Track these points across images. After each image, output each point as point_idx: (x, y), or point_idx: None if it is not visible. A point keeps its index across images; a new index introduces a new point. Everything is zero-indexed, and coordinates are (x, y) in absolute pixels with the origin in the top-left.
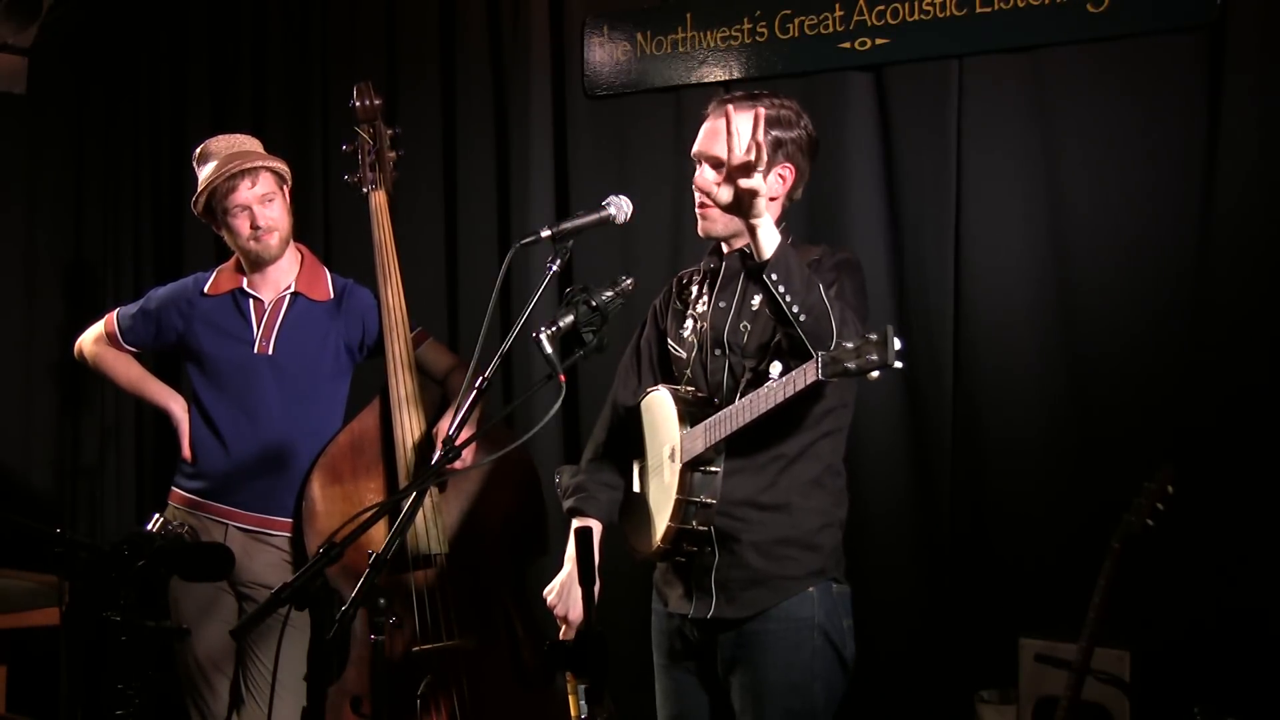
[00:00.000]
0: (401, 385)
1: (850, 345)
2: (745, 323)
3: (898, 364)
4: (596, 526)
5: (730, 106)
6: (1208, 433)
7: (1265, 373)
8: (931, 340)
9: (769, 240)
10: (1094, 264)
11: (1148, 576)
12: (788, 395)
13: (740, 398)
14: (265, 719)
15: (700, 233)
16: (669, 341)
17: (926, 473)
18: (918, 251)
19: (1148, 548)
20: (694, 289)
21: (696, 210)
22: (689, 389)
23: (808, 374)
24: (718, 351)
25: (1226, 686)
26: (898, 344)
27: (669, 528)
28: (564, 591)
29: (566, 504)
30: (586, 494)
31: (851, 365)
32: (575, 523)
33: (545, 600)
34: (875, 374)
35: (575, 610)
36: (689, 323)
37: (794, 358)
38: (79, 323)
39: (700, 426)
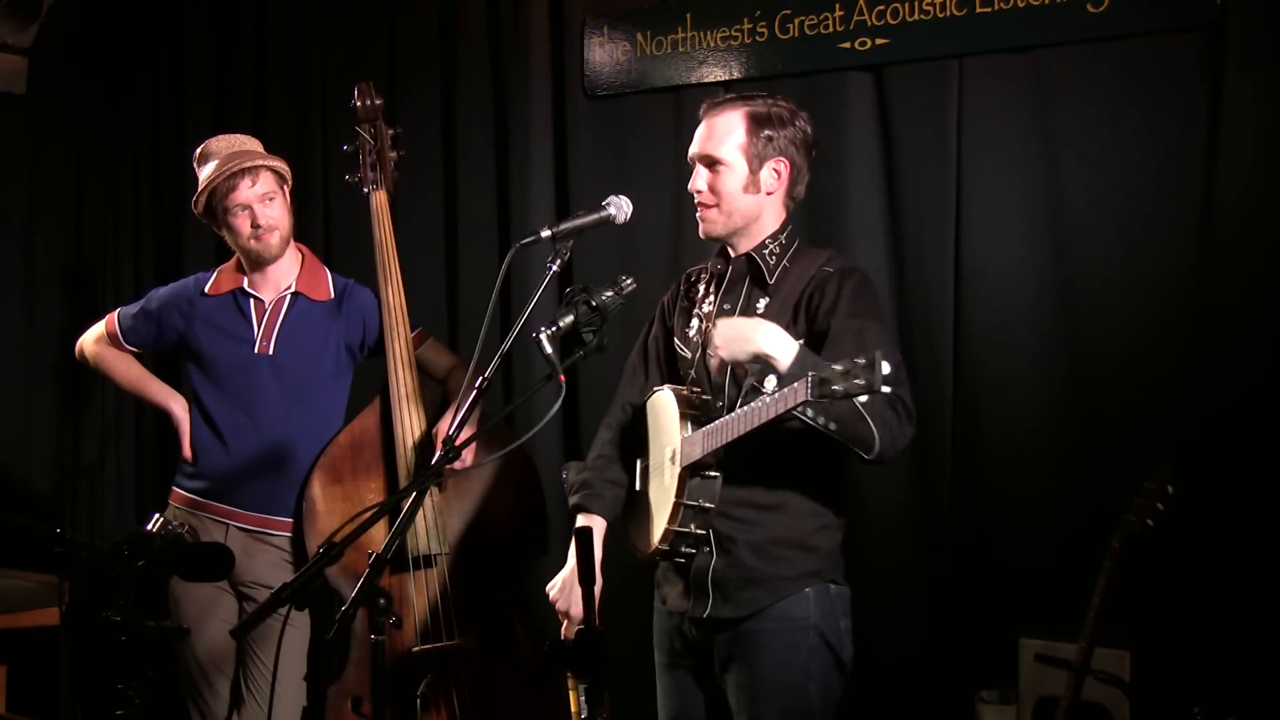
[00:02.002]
0: (402, 385)
1: (839, 368)
2: None
3: (885, 389)
4: (600, 524)
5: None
6: (1208, 433)
7: (1265, 373)
8: (931, 340)
9: (784, 356)
10: (1094, 264)
11: (1148, 576)
12: (778, 413)
13: (740, 404)
14: (265, 719)
15: (701, 235)
16: (675, 340)
17: (926, 473)
18: (918, 251)
19: (1148, 548)
20: (701, 288)
21: (697, 213)
22: (694, 389)
23: (798, 394)
24: None
25: (1226, 686)
26: (886, 368)
27: (667, 530)
28: (566, 588)
29: (572, 500)
30: (591, 491)
31: (839, 388)
32: (579, 520)
33: (548, 596)
34: (864, 398)
35: (577, 606)
36: (694, 323)
37: None
38: (79, 323)
39: (699, 433)
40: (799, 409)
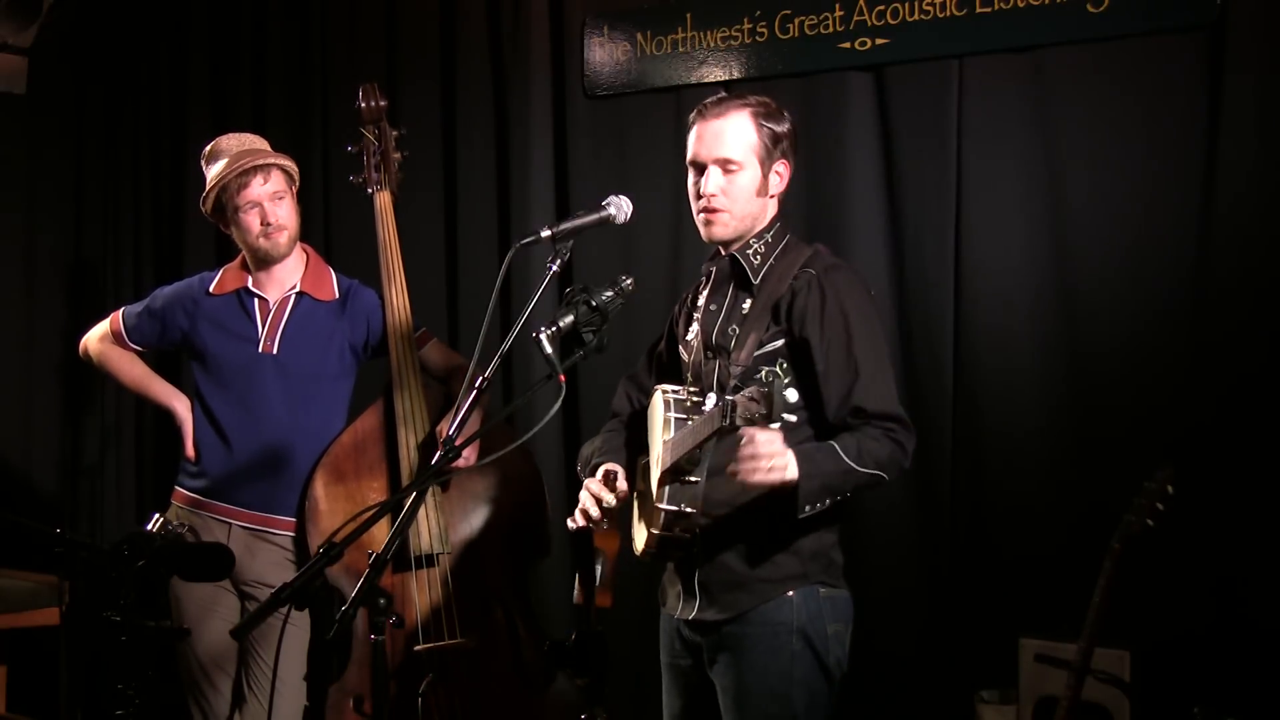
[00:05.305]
0: (405, 386)
1: (748, 397)
2: (734, 326)
3: (789, 417)
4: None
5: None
6: (1208, 433)
7: (1265, 373)
8: (931, 340)
9: (790, 476)
10: (1094, 264)
11: (1148, 576)
12: (704, 437)
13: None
14: (267, 718)
15: (707, 238)
16: (679, 343)
17: (926, 472)
18: (918, 251)
19: (1148, 548)
20: (703, 290)
21: (701, 215)
22: (688, 390)
23: (714, 421)
24: (709, 354)
25: (1226, 686)
26: (792, 396)
27: (651, 535)
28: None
29: (592, 465)
30: (607, 450)
31: (742, 417)
32: (601, 468)
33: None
34: (775, 425)
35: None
36: (693, 325)
37: (786, 359)
38: (80, 323)
39: (670, 440)
40: (803, 507)
